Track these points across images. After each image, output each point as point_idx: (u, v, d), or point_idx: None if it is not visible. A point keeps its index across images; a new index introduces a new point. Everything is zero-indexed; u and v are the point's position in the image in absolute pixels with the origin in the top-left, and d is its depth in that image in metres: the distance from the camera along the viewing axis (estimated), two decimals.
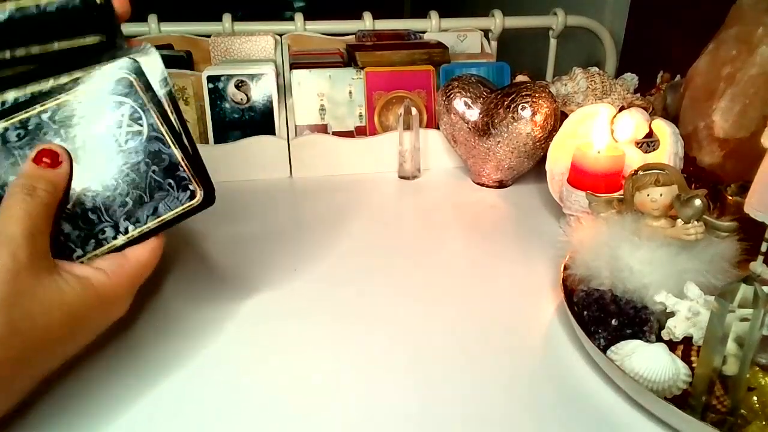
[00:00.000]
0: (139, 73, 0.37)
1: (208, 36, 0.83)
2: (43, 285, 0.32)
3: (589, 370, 0.41)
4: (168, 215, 0.38)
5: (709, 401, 0.35)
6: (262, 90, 0.75)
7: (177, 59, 0.83)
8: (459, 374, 0.41)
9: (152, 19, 0.89)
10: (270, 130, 0.76)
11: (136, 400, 0.38)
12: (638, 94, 0.78)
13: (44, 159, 0.35)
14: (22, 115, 0.35)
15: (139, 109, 0.37)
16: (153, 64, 0.37)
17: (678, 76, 0.76)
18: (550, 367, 0.42)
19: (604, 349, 0.40)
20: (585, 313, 0.43)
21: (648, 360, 0.37)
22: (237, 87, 0.74)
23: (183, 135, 0.38)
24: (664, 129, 0.57)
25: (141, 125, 0.37)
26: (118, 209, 0.37)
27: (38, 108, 0.35)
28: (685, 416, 0.33)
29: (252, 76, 0.74)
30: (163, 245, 0.39)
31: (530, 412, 0.38)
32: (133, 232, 0.37)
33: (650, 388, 0.36)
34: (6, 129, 0.34)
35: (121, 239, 0.37)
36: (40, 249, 0.33)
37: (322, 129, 0.78)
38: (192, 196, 0.38)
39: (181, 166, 0.38)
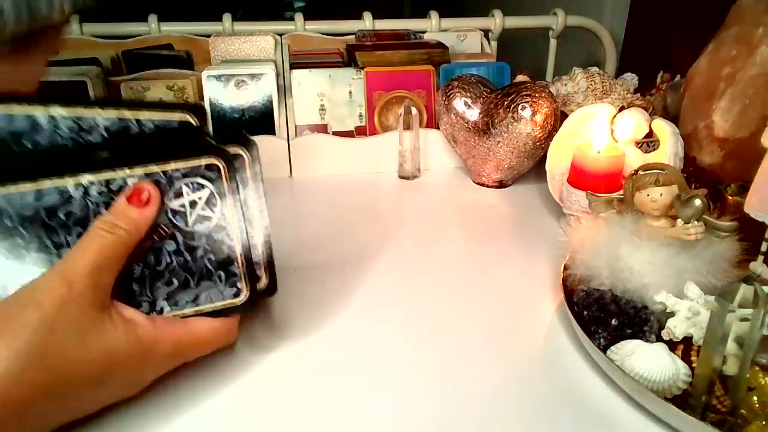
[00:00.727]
0: (228, 160, 0.37)
1: (208, 36, 0.83)
2: (89, 320, 0.32)
3: (589, 370, 0.41)
4: (207, 307, 0.37)
5: (709, 401, 0.35)
6: (262, 90, 0.75)
7: (177, 59, 0.83)
8: (459, 374, 0.41)
9: (152, 19, 0.89)
10: (270, 130, 0.76)
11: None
12: (638, 94, 0.78)
13: (135, 197, 0.35)
14: (110, 175, 0.35)
15: (216, 196, 0.37)
16: (250, 156, 0.37)
17: (678, 76, 0.76)
18: (550, 367, 0.42)
19: (604, 349, 0.40)
20: (585, 313, 0.43)
21: (648, 360, 0.37)
22: (237, 87, 0.74)
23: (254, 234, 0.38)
24: (664, 129, 0.57)
25: (213, 212, 0.37)
26: (161, 287, 0.36)
27: (127, 171, 0.35)
28: (685, 416, 0.33)
29: (252, 76, 0.74)
30: (228, 335, 0.39)
31: (530, 411, 0.38)
32: (167, 313, 0.37)
33: (650, 388, 0.36)
34: (91, 183, 0.34)
35: None
36: (101, 285, 0.33)
37: (322, 129, 0.78)
38: (237, 294, 0.38)
39: (237, 262, 0.38)
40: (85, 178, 0.34)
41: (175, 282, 0.36)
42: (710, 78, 0.59)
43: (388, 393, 0.39)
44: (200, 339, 0.37)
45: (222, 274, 0.37)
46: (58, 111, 0.34)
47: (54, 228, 0.34)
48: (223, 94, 0.74)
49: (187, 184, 0.36)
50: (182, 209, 0.36)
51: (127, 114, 0.35)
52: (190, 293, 0.37)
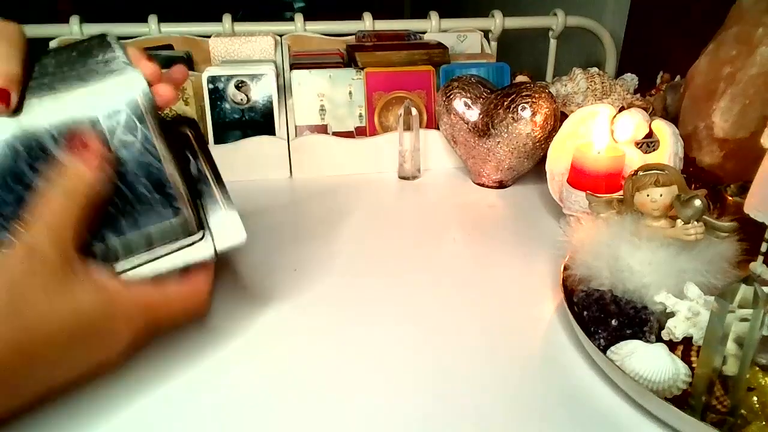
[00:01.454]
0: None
1: (208, 36, 0.83)
2: (57, 280, 0.32)
3: (589, 370, 0.41)
4: (152, 230, 0.37)
5: (709, 401, 0.35)
6: (262, 90, 0.75)
7: (177, 59, 0.83)
8: (458, 374, 0.41)
9: (152, 19, 0.89)
10: (270, 130, 0.76)
11: (129, 404, 0.38)
12: (638, 95, 0.79)
13: (77, 146, 0.34)
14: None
15: (134, 119, 0.36)
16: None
17: (678, 76, 0.77)
18: (549, 367, 0.42)
19: (604, 350, 0.40)
20: (585, 313, 0.43)
21: (648, 360, 0.37)
22: (237, 87, 0.74)
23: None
24: (664, 129, 0.57)
25: (135, 136, 0.36)
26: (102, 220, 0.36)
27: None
28: (685, 416, 0.33)
29: (252, 77, 0.74)
30: (200, 298, 0.39)
31: (530, 412, 0.38)
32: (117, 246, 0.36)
33: (650, 388, 0.36)
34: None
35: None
36: (63, 243, 0.33)
37: (322, 129, 0.78)
38: (176, 214, 0.37)
39: (171, 183, 0.37)
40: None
41: (112, 210, 0.36)
42: (710, 78, 0.59)
43: (387, 392, 0.39)
44: (170, 299, 0.37)
45: (157, 196, 0.37)
46: None
47: None
48: (223, 94, 0.74)
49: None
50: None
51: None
52: (130, 220, 0.36)
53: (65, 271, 0.33)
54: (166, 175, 0.37)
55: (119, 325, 0.35)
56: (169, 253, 0.38)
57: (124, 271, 0.37)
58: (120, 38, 0.38)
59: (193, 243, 0.39)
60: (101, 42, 0.37)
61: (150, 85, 0.36)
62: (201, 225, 0.39)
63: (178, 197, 0.37)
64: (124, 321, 0.35)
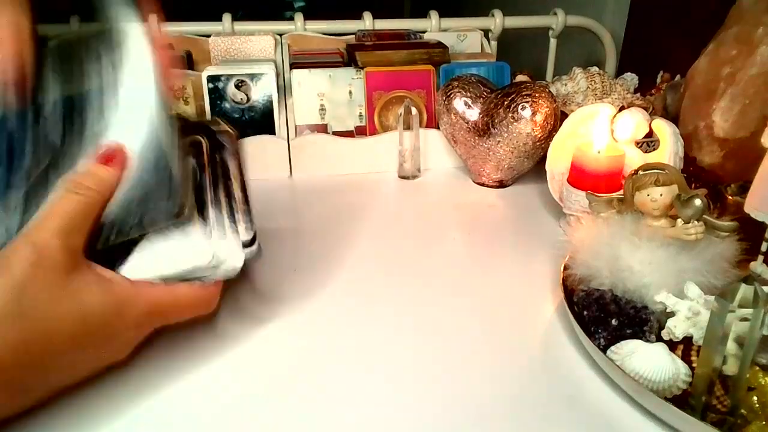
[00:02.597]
0: None
1: (208, 36, 0.83)
2: (62, 281, 0.32)
3: (589, 370, 0.41)
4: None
5: (709, 401, 0.35)
6: (262, 90, 0.75)
7: (177, 59, 0.83)
8: (458, 374, 0.41)
9: (152, 19, 0.89)
10: (270, 130, 0.76)
11: (130, 408, 0.38)
12: (638, 94, 0.79)
13: (105, 157, 0.35)
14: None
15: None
16: None
17: (678, 76, 0.76)
18: (550, 367, 0.42)
19: (604, 349, 0.40)
20: (585, 313, 0.43)
21: (648, 360, 0.37)
22: (237, 87, 0.74)
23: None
24: (664, 129, 0.57)
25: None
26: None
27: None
28: (685, 416, 0.33)
29: (252, 76, 0.74)
30: (208, 301, 0.39)
31: (530, 411, 0.38)
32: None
33: (650, 388, 0.36)
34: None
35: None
36: (71, 246, 0.33)
37: (322, 129, 0.78)
38: (179, 214, 0.37)
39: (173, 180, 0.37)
40: None
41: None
42: (710, 78, 0.59)
43: (388, 392, 0.39)
44: (179, 300, 0.37)
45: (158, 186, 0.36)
46: None
47: None
48: (223, 93, 0.74)
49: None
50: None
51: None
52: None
53: (72, 272, 0.33)
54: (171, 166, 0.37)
55: (126, 325, 0.35)
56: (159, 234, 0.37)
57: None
58: None
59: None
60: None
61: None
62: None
63: (177, 192, 0.37)
64: (131, 321, 0.35)
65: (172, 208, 0.36)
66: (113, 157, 0.35)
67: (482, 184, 0.74)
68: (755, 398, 0.35)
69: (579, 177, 0.57)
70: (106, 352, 0.36)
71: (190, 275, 0.37)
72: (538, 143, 0.67)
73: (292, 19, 0.92)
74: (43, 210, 0.33)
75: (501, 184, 0.73)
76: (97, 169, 0.34)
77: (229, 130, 0.43)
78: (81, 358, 0.34)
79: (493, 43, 0.97)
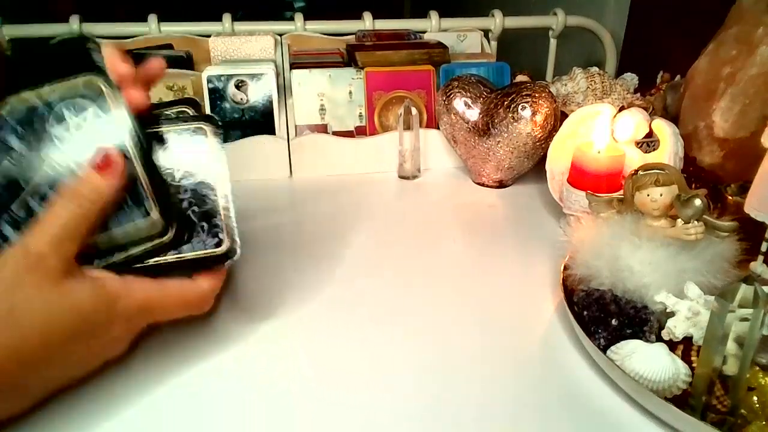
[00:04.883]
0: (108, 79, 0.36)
1: (208, 36, 0.83)
2: (53, 284, 0.32)
3: (589, 370, 0.41)
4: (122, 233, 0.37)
5: (709, 401, 0.35)
6: (262, 90, 0.75)
7: (177, 59, 0.83)
8: (458, 374, 0.41)
9: (152, 19, 0.89)
10: (270, 130, 0.76)
11: (127, 406, 0.38)
12: (638, 94, 0.78)
13: (100, 165, 0.35)
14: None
15: (102, 114, 0.36)
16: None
17: (678, 76, 0.76)
18: (549, 367, 0.42)
19: (604, 349, 0.40)
20: (585, 313, 0.43)
21: (648, 360, 0.37)
22: (237, 87, 0.74)
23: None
24: (664, 129, 0.57)
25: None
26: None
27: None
28: (685, 416, 0.33)
29: (252, 76, 0.74)
30: (201, 298, 0.39)
31: (530, 411, 0.38)
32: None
33: (650, 388, 0.36)
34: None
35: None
36: (65, 254, 0.33)
37: (322, 129, 0.78)
38: (147, 214, 0.37)
39: (143, 187, 0.37)
40: None
41: None
42: (710, 78, 0.59)
43: (387, 392, 0.39)
44: (171, 297, 0.37)
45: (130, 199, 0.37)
46: None
47: None
48: (223, 94, 0.74)
49: (67, 108, 0.35)
50: (67, 134, 0.35)
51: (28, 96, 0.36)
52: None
53: (65, 276, 0.33)
54: (138, 174, 0.37)
55: (117, 319, 0.35)
56: (142, 253, 0.37)
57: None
58: (120, 38, 0.38)
59: (162, 243, 0.38)
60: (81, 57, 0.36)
61: (121, 88, 0.36)
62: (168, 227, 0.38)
63: (148, 197, 0.37)
64: (122, 314, 0.35)
65: (145, 224, 0.37)
66: (108, 165, 0.35)
67: (482, 184, 0.74)
68: (755, 398, 0.35)
69: (579, 177, 0.57)
70: (99, 348, 0.36)
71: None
72: (538, 143, 0.67)
73: (292, 19, 0.92)
74: (40, 217, 0.33)
75: (501, 184, 0.73)
76: (92, 177, 0.35)
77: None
78: (75, 356, 0.35)
79: (493, 44, 0.97)
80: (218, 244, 0.39)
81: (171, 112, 0.42)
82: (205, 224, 0.39)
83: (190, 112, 0.43)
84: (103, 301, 0.34)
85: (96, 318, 0.34)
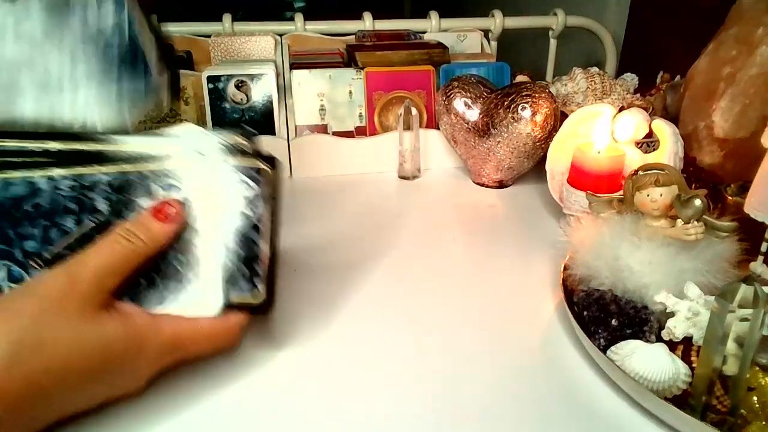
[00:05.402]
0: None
1: (208, 36, 0.83)
2: (87, 316, 0.32)
3: (589, 370, 0.41)
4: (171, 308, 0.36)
5: (709, 401, 0.35)
6: (262, 90, 0.75)
7: (177, 59, 0.83)
8: (458, 374, 0.41)
9: (152, 19, 0.89)
10: (270, 130, 0.76)
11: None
12: (638, 95, 0.79)
13: (160, 212, 0.36)
14: (81, 170, 0.35)
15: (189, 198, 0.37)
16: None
17: (678, 76, 0.76)
18: (549, 368, 0.42)
19: (604, 349, 0.40)
20: (585, 313, 0.43)
21: (648, 360, 0.37)
22: (237, 87, 0.74)
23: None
24: (664, 129, 0.57)
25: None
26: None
27: (99, 168, 0.36)
28: (685, 416, 0.33)
29: (252, 77, 0.74)
30: (230, 336, 0.38)
31: (530, 412, 0.38)
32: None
33: (650, 388, 0.36)
34: (63, 177, 0.35)
35: None
36: (105, 287, 0.33)
37: (322, 129, 0.78)
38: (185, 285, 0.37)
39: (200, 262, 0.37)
40: (56, 172, 0.35)
41: (143, 282, 0.36)
42: (710, 78, 0.59)
43: (387, 392, 0.39)
44: (200, 334, 0.37)
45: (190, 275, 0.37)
46: (57, 172, 0.35)
47: (19, 219, 0.34)
48: (223, 94, 0.74)
49: (161, 187, 0.37)
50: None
51: (127, 168, 0.36)
52: (156, 293, 0.36)
53: (99, 309, 0.33)
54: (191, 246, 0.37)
55: (146, 357, 0.35)
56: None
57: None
58: None
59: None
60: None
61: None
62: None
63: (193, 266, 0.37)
64: (152, 353, 0.35)
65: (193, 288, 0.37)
66: (168, 214, 0.36)
67: (482, 184, 0.74)
68: (755, 398, 0.35)
69: (579, 177, 0.57)
70: (122, 383, 0.35)
71: None
72: (538, 143, 0.67)
73: (292, 19, 0.92)
74: (90, 247, 0.34)
75: (501, 185, 0.73)
76: (150, 222, 0.35)
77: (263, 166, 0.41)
78: (96, 390, 0.34)
79: (493, 44, 0.97)
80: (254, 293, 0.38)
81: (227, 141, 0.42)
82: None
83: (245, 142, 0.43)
84: (132, 337, 0.34)
85: (124, 355, 0.33)
